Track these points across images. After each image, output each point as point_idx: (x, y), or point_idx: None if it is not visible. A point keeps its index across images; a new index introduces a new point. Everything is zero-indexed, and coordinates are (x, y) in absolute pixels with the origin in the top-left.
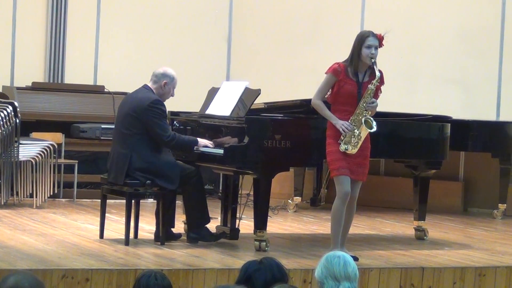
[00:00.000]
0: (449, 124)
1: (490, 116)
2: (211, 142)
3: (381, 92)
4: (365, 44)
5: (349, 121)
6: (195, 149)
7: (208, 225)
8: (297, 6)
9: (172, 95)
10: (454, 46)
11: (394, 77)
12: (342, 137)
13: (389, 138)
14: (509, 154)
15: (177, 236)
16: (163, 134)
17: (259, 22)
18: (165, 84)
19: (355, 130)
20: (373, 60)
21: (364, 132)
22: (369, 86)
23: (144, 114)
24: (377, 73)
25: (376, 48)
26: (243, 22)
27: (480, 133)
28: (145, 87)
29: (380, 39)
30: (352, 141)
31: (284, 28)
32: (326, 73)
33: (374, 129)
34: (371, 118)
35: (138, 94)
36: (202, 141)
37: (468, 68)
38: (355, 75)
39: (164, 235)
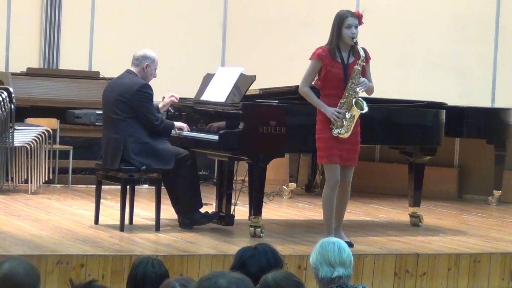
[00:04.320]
0: (444, 111)
1: (485, 103)
2: (186, 125)
3: (367, 70)
4: (345, 25)
5: (339, 105)
6: (174, 132)
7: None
8: None
9: (155, 76)
10: (449, 32)
11: (389, 63)
12: (333, 122)
13: (384, 125)
14: (504, 141)
15: (211, 216)
16: (153, 118)
17: (254, 7)
18: (147, 66)
19: (347, 114)
20: (354, 40)
21: (356, 113)
22: (355, 67)
23: (134, 99)
24: (362, 53)
25: (356, 27)
26: (238, 8)
27: (475, 119)
28: (128, 71)
29: (359, 17)
30: (345, 125)
31: (279, 14)
32: (310, 59)
33: (366, 109)
34: (362, 99)
35: (123, 79)
36: (177, 124)
37: (463, 54)
38: (340, 57)
39: (159, 221)
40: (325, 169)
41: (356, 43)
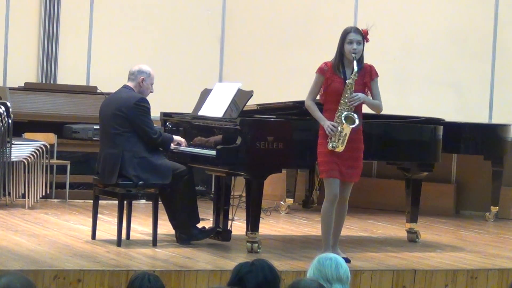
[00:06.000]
0: (442, 127)
1: (483, 119)
2: (184, 140)
3: (370, 86)
4: (346, 40)
5: (335, 119)
6: (173, 148)
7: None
8: (290, 8)
9: (152, 91)
10: (447, 48)
11: (387, 79)
12: (329, 136)
13: (381, 140)
14: (501, 157)
15: (208, 232)
16: (150, 132)
17: (252, 23)
18: (142, 80)
19: (339, 127)
20: (353, 55)
21: (346, 128)
22: (347, 81)
23: (131, 113)
24: (355, 68)
25: (358, 43)
26: (236, 23)
27: (473, 135)
28: (125, 87)
29: (364, 33)
30: (337, 139)
31: (277, 30)
32: (315, 72)
33: (355, 124)
34: (353, 114)
35: (121, 94)
36: (176, 137)
37: (461, 70)
38: (343, 73)
39: (156, 236)
40: (324, 183)
41: (354, 59)
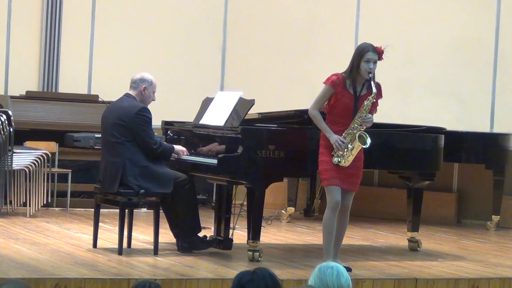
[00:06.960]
0: (443, 136)
1: (484, 128)
2: (185, 150)
3: (378, 105)
4: (364, 58)
5: (343, 134)
6: (175, 157)
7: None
8: (291, 17)
9: (154, 99)
10: (449, 57)
11: (388, 88)
12: (335, 150)
13: (383, 149)
14: (502, 166)
15: (210, 243)
16: (151, 142)
17: (253, 32)
18: (144, 88)
19: (349, 145)
20: (370, 75)
21: (357, 147)
22: (365, 102)
23: (133, 122)
24: (374, 90)
25: (375, 63)
26: (238, 32)
27: (474, 144)
28: (127, 95)
29: (380, 52)
30: (345, 155)
31: (278, 39)
32: (324, 83)
33: (368, 145)
34: (366, 134)
35: (122, 102)
36: (177, 147)
37: (462, 79)
38: (353, 88)
39: (157, 245)
40: (326, 191)
41: (371, 78)
